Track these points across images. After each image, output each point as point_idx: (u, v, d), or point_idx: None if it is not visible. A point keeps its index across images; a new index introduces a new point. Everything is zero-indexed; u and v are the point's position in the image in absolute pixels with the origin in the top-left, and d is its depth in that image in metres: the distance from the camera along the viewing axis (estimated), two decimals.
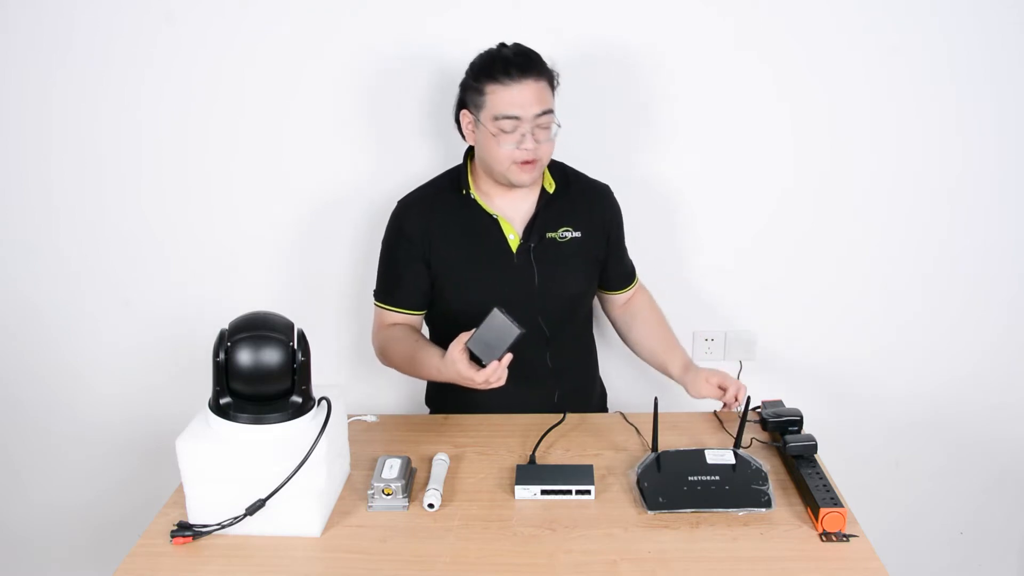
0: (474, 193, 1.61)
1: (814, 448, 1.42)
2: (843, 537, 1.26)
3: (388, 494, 1.35)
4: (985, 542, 2.20)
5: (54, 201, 1.92)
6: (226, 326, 1.28)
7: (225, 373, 1.26)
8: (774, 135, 1.86)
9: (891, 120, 1.84)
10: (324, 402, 1.33)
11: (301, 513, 1.28)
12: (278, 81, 1.82)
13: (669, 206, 1.92)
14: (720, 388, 1.60)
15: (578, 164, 1.72)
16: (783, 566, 1.21)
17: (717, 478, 1.36)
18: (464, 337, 1.42)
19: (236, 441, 1.26)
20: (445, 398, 1.74)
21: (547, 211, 1.62)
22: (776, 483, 1.40)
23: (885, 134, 1.86)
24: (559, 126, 1.54)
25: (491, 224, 1.61)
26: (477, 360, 1.42)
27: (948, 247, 1.94)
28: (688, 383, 1.65)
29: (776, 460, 1.48)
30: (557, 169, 1.67)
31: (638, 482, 1.39)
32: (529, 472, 1.42)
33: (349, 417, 1.55)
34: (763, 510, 1.32)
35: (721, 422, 1.63)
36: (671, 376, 1.70)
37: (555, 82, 1.56)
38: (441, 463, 1.44)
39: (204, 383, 1.31)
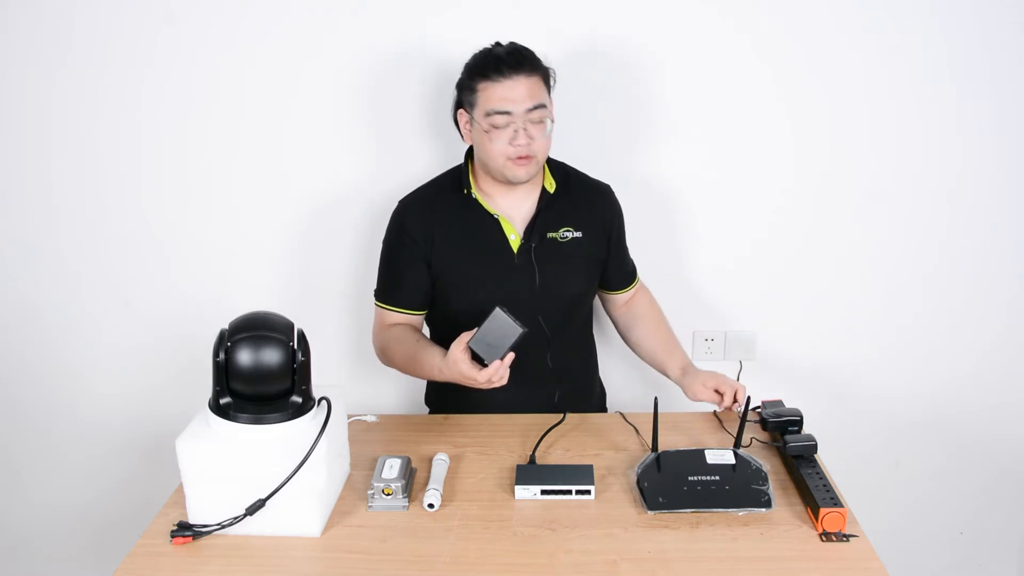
0: (475, 193, 1.61)
1: (814, 448, 1.42)
2: (843, 537, 1.26)
3: (388, 494, 1.35)
4: (985, 542, 2.20)
5: (54, 201, 1.92)
6: (226, 326, 1.28)
7: (225, 373, 1.25)
8: (774, 135, 1.86)
9: (891, 120, 1.84)
10: (324, 402, 1.33)
11: (301, 513, 1.28)
12: (278, 81, 1.82)
13: (669, 206, 1.92)
14: (718, 392, 1.61)
15: (578, 164, 1.72)
16: (783, 566, 1.21)
17: (717, 478, 1.36)
18: (466, 337, 1.42)
19: (236, 441, 1.26)
20: (445, 398, 1.74)
21: (548, 211, 1.62)
22: (776, 483, 1.40)
23: (885, 134, 1.86)
24: (553, 121, 1.54)
25: (492, 224, 1.61)
26: (479, 360, 1.42)
27: (948, 247, 1.94)
28: (686, 386, 1.65)
29: (776, 460, 1.48)
30: (558, 169, 1.68)
31: (638, 482, 1.39)
32: (529, 472, 1.42)
33: (349, 417, 1.55)
34: (763, 510, 1.32)
35: (721, 422, 1.63)
36: (669, 378, 1.70)
37: (551, 79, 1.56)
38: (441, 463, 1.44)
39: (204, 383, 1.31)
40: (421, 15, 1.77)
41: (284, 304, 1.48)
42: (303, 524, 1.29)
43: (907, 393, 2.06)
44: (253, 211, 1.92)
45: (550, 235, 1.62)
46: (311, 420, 1.30)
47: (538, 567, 1.22)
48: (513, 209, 1.62)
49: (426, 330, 1.74)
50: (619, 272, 1.76)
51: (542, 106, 1.51)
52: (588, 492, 1.37)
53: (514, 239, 1.61)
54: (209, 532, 1.28)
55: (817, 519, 1.27)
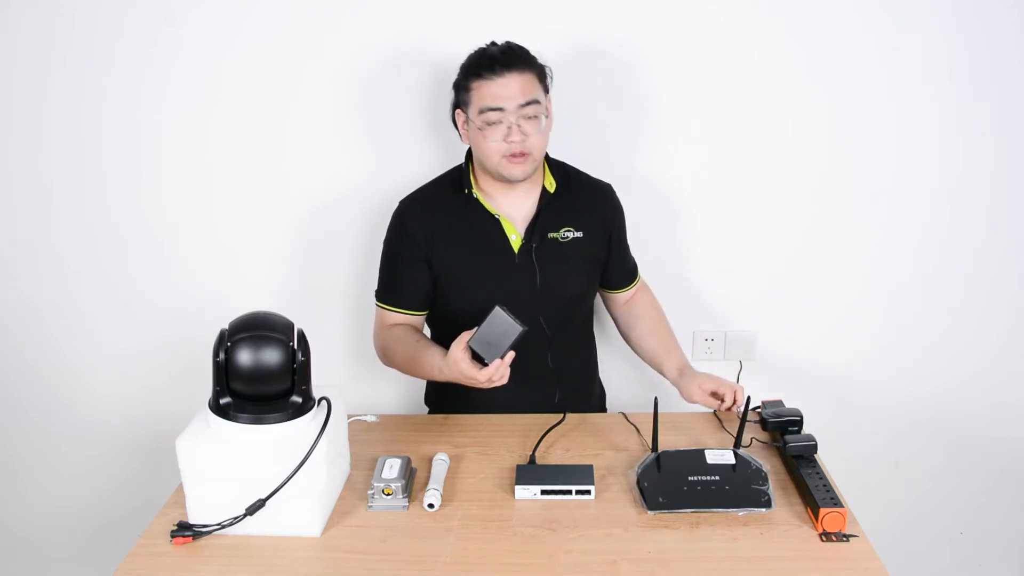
0: (476, 192, 1.61)
1: (814, 448, 1.42)
2: (843, 537, 1.26)
3: (388, 494, 1.35)
4: (985, 542, 2.20)
5: (54, 201, 1.92)
6: (226, 326, 1.28)
7: (225, 373, 1.25)
8: (774, 135, 1.86)
9: (891, 120, 1.84)
10: (324, 402, 1.33)
11: (301, 513, 1.28)
12: (278, 81, 1.82)
13: (669, 206, 1.92)
14: (715, 395, 1.61)
15: (578, 164, 1.72)
16: (783, 566, 1.21)
17: (717, 478, 1.36)
18: (466, 336, 1.42)
19: (236, 441, 1.26)
20: (445, 398, 1.74)
21: (548, 211, 1.62)
22: (776, 483, 1.40)
23: (885, 134, 1.86)
24: (549, 117, 1.54)
25: (493, 224, 1.61)
26: (479, 359, 1.42)
27: (948, 247, 1.94)
28: (682, 387, 1.65)
29: (776, 460, 1.48)
30: (558, 168, 1.68)
31: (638, 482, 1.39)
32: (529, 472, 1.42)
33: (349, 417, 1.55)
34: (763, 510, 1.32)
35: (721, 422, 1.63)
36: (666, 378, 1.70)
37: (548, 76, 1.57)
38: (441, 463, 1.44)
39: (204, 383, 1.31)
40: (421, 15, 1.77)
41: (284, 304, 1.48)
42: (303, 524, 1.29)
43: (907, 393, 2.06)
44: (253, 211, 1.92)
45: (551, 235, 1.62)
46: (311, 420, 1.30)
47: (538, 567, 1.22)
48: (514, 209, 1.62)
49: (427, 330, 1.74)
50: (620, 271, 1.76)
51: (535, 102, 1.51)
52: (588, 492, 1.37)
53: (515, 239, 1.61)
54: (209, 532, 1.28)
55: (817, 519, 1.27)
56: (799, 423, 1.52)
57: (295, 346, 1.27)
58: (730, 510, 1.32)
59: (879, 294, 1.98)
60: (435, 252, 1.61)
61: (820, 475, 1.36)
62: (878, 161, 1.88)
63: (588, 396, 1.80)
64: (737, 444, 1.47)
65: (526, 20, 1.76)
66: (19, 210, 1.93)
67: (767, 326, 2.01)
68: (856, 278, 1.97)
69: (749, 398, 1.50)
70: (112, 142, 1.87)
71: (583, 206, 1.66)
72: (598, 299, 1.83)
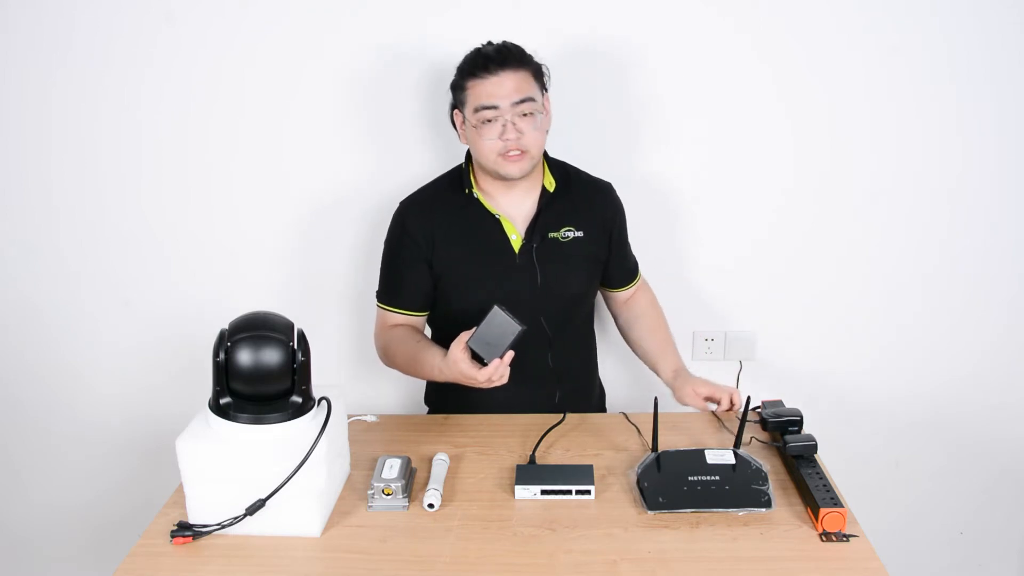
0: (477, 192, 1.61)
1: (814, 448, 1.42)
2: (843, 537, 1.26)
3: (388, 494, 1.35)
4: (985, 542, 2.20)
5: (54, 201, 1.92)
6: (226, 326, 1.28)
7: (225, 373, 1.25)
8: (774, 135, 1.86)
9: (891, 120, 1.84)
10: (324, 402, 1.33)
11: (301, 513, 1.28)
12: (278, 81, 1.82)
13: (669, 206, 1.92)
14: (712, 399, 1.61)
15: (578, 164, 1.72)
16: (783, 566, 1.21)
17: (717, 478, 1.36)
18: (465, 336, 1.42)
19: (236, 441, 1.26)
20: (445, 398, 1.74)
21: (549, 210, 1.62)
22: (776, 483, 1.40)
23: (885, 134, 1.85)
24: (546, 115, 1.55)
25: (493, 224, 1.61)
26: (479, 359, 1.42)
27: (948, 247, 1.94)
28: (675, 388, 1.65)
29: (776, 460, 1.48)
30: (558, 167, 1.68)
31: (638, 482, 1.39)
32: (529, 472, 1.42)
33: (349, 417, 1.55)
34: (763, 510, 1.32)
35: (721, 422, 1.63)
36: (661, 379, 1.70)
37: (545, 75, 1.57)
38: (441, 463, 1.44)
39: (204, 383, 1.31)
40: (421, 15, 1.77)
41: (284, 304, 1.48)
42: (303, 524, 1.29)
43: (907, 393, 2.06)
44: (253, 211, 1.92)
45: (551, 235, 1.62)
46: (311, 420, 1.30)
47: (538, 567, 1.22)
48: (514, 208, 1.62)
49: (428, 331, 1.74)
50: (620, 270, 1.76)
51: (530, 99, 1.51)
52: (588, 492, 1.37)
53: (515, 239, 1.61)
54: (209, 532, 1.28)
55: (817, 519, 1.27)
56: (799, 423, 1.52)
57: (295, 346, 1.27)
58: (730, 510, 1.32)
59: (879, 294, 1.98)
60: (435, 253, 1.61)
61: (820, 475, 1.36)
62: (878, 161, 1.88)
63: (588, 396, 1.80)
64: (737, 444, 1.47)
65: (526, 20, 1.76)
66: (19, 210, 1.93)
67: (767, 326, 2.01)
68: (856, 278, 1.97)
69: (749, 398, 1.50)
70: (112, 142, 1.87)
71: (583, 205, 1.66)
72: (599, 298, 1.83)
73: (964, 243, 1.94)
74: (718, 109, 1.84)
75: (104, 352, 2.03)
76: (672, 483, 1.36)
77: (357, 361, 2.02)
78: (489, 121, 1.51)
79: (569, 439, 1.57)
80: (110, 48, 1.80)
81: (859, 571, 1.20)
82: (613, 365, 1.98)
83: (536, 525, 1.31)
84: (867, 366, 2.04)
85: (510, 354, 1.40)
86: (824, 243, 1.94)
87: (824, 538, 1.26)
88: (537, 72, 1.55)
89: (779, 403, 1.60)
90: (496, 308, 1.38)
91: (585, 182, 1.70)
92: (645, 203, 1.87)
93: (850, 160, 1.87)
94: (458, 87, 1.56)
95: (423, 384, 1.85)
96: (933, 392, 2.06)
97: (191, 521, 1.29)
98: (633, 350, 1.79)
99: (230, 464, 1.26)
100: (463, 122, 1.57)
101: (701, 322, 2.00)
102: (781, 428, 1.52)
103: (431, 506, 1.34)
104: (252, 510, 1.25)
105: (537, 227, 1.61)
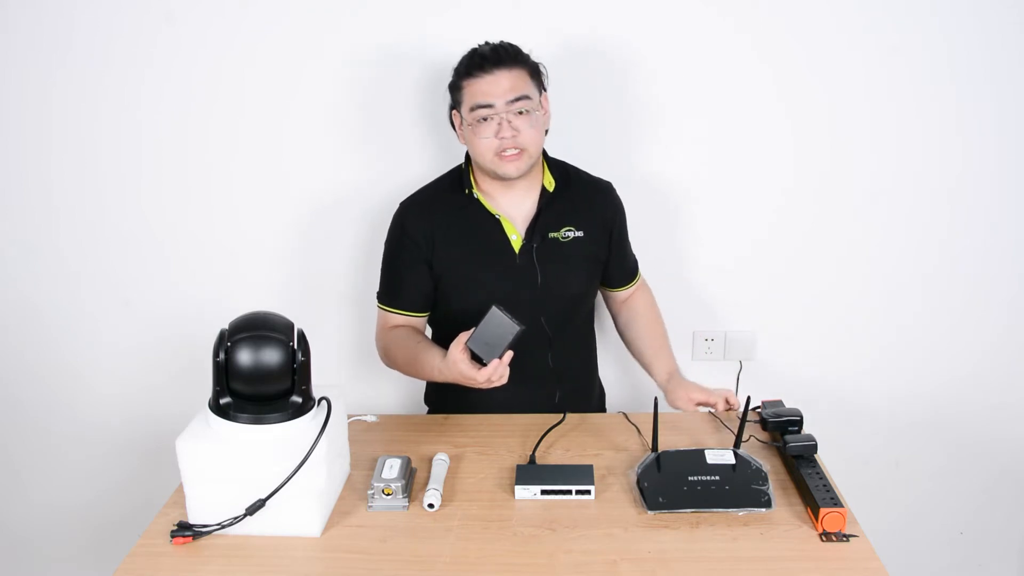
0: (477, 193, 1.61)
1: (814, 448, 1.42)
2: (843, 537, 1.26)
3: (388, 494, 1.35)
4: (985, 542, 2.20)
5: (54, 201, 1.92)
6: (226, 326, 1.28)
7: (225, 373, 1.25)
8: (774, 135, 1.86)
9: (891, 120, 1.84)
10: (324, 402, 1.33)
11: (301, 513, 1.28)
12: (278, 81, 1.82)
13: (669, 206, 1.92)
14: (706, 405, 1.61)
15: (578, 164, 1.72)
16: (783, 566, 1.21)
17: (717, 478, 1.36)
18: (464, 336, 1.42)
19: (236, 441, 1.26)
20: (445, 398, 1.74)
21: (548, 210, 1.62)
22: (776, 483, 1.40)
23: (885, 134, 1.86)
24: (543, 113, 1.55)
25: (493, 224, 1.61)
26: (478, 359, 1.42)
27: (948, 247, 1.94)
28: (668, 391, 1.65)
29: (776, 460, 1.48)
30: (558, 167, 1.67)
31: (638, 482, 1.39)
32: (529, 472, 1.42)
33: (349, 417, 1.55)
34: (763, 510, 1.32)
35: (721, 422, 1.63)
36: (654, 380, 1.70)
37: (542, 74, 1.57)
38: (441, 463, 1.44)
39: (204, 383, 1.31)
40: (421, 15, 1.77)
41: (284, 304, 1.48)
42: (303, 524, 1.29)
43: (907, 393, 2.06)
44: (253, 211, 1.92)
45: (551, 235, 1.62)
46: (311, 420, 1.30)
47: (538, 567, 1.22)
48: (514, 208, 1.62)
49: (429, 331, 1.74)
50: (620, 270, 1.76)
51: (526, 97, 1.51)
52: (588, 492, 1.37)
53: (515, 239, 1.61)
54: (209, 532, 1.28)
55: (817, 519, 1.27)
56: (799, 423, 1.52)
57: (295, 346, 1.27)
58: (730, 510, 1.32)
59: (879, 294, 1.98)
60: (435, 253, 1.61)
61: (820, 475, 1.36)
62: (878, 161, 1.88)
63: (588, 396, 1.80)
64: (737, 444, 1.47)
65: (526, 20, 1.76)
66: (19, 210, 1.93)
67: (767, 326, 2.01)
68: (856, 278, 1.97)
69: (749, 398, 1.50)
70: (112, 142, 1.87)
71: (583, 205, 1.66)
72: (598, 298, 1.83)
73: (964, 243, 1.94)
74: (718, 109, 1.84)
75: (104, 352, 2.03)
76: (672, 483, 1.36)
77: (357, 361, 2.02)
78: (485, 120, 1.51)
79: (569, 439, 1.57)
80: (110, 48, 1.80)
81: (859, 571, 1.20)
82: (613, 365, 1.98)
83: (536, 525, 1.31)
84: (867, 366, 2.04)
85: (509, 354, 1.40)
86: (824, 243, 1.94)
87: (824, 538, 1.26)
88: (534, 71, 1.55)
89: (779, 403, 1.60)
90: (494, 308, 1.38)
91: (585, 182, 1.70)
92: (645, 203, 1.87)
93: (850, 160, 1.87)
94: (455, 87, 1.56)
95: (423, 384, 1.85)
96: (933, 392, 2.06)
97: (191, 521, 1.29)
98: (629, 350, 1.79)
99: (230, 464, 1.26)
100: (461, 122, 1.57)
101: (701, 322, 2.00)
102: (781, 428, 1.52)
103: (431, 506, 1.34)
104: (252, 510, 1.25)
105: (537, 227, 1.61)
